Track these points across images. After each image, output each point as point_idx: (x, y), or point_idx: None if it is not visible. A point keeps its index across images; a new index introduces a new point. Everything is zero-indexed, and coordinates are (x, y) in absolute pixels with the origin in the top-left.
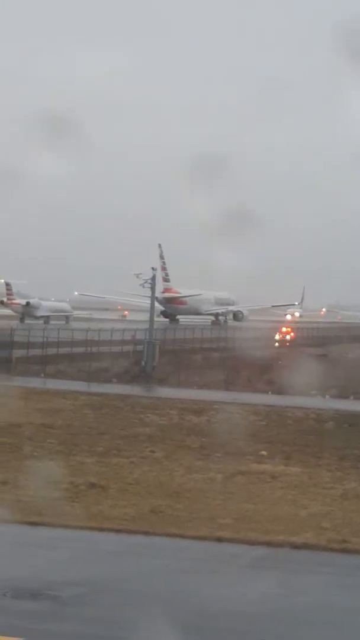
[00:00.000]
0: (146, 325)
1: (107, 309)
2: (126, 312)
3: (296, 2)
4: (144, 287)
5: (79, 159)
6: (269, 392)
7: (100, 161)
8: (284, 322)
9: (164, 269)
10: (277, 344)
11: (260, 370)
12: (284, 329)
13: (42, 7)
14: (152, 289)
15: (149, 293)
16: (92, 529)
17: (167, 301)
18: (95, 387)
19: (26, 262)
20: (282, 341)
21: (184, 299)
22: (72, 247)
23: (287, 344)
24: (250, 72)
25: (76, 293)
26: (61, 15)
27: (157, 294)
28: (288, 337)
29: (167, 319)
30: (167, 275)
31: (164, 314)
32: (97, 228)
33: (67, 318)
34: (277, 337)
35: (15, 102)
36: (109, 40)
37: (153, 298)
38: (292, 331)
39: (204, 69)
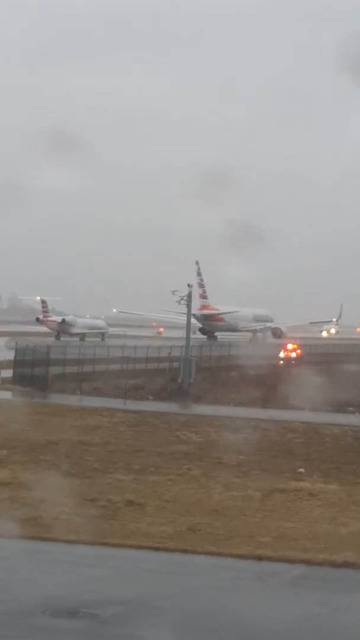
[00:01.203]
0: (182, 342)
1: (142, 326)
2: (161, 329)
3: (307, 16)
4: (180, 304)
5: (103, 176)
6: (306, 409)
7: (130, 179)
8: (320, 339)
9: (201, 285)
10: (281, 362)
11: (296, 387)
12: (289, 346)
13: (63, 31)
14: (188, 305)
15: (185, 310)
16: (130, 546)
17: (205, 318)
18: (132, 405)
19: (61, 279)
20: (287, 359)
21: (221, 315)
22: (109, 264)
23: (293, 362)
24: (260, 84)
25: (115, 310)
26: (77, 36)
27: (195, 311)
28: (294, 354)
29: (205, 336)
30: (204, 292)
31: (202, 330)
32: (132, 245)
33: (102, 335)
34: (281, 354)
35: (41, 120)
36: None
37: (189, 315)
38: (299, 348)
39: (217, 84)
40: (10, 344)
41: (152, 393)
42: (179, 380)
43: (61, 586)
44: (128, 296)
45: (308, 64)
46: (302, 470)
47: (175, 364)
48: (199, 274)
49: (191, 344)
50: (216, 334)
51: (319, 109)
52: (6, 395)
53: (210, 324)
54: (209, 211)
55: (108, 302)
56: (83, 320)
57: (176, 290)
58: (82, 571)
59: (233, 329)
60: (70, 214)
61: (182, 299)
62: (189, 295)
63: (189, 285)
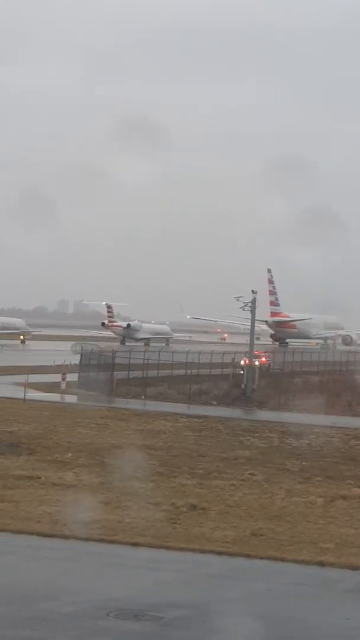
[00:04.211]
0: (247, 348)
1: (206, 332)
2: (225, 335)
3: None
4: (244, 310)
5: (175, 181)
6: None
7: (200, 187)
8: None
9: (273, 293)
10: (241, 372)
11: None
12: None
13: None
14: (252, 312)
15: (256, 316)
16: (193, 550)
17: (277, 325)
18: (195, 410)
19: (129, 284)
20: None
21: (293, 322)
22: (179, 270)
23: (241, 372)
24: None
25: (188, 316)
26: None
27: (267, 318)
28: (257, 362)
29: (277, 342)
30: (276, 299)
31: (273, 337)
32: (203, 251)
33: (167, 340)
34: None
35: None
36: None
37: (253, 321)
38: (264, 357)
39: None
40: (76, 348)
41: (216, 398)
42: (243, 386)
43: (125, 588)
44: (199, 302)
45: None
46: None
47: (239, 370)
48: (270, 281)
49: (262, 350)
50: (287, 340)
51: None
52: (71, 399)
53: (281, 330)
54: (280, 217)
55: (182, 307)
56: (148, 325)
57: (240, 297)
58: (146, 574)
59: (305, 336)
60: (138, 222)
61: (246, 305)
62: (253, 302)
63: (253, 292)
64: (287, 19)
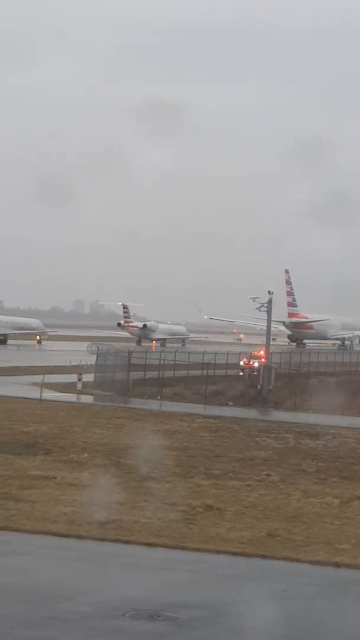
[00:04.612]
0: (263, 349)
1: (222, 332)
2: (242, 335)
3: None
4: (260, 310)
5: (189, 181)
6: None
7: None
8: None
9: (290, 294)
10: (241, 373)
11: None
12: (261, 353)
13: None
14: (269, 312)
15: (272, 317)
16: (209, 551)
17: (294, 326)
18: (211, 410)
19: (145, 285)
20: (250, 367)
21: (311, 323)
22: (196, 271)
23: (255, 372)
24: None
25: (205, 317)
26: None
27: (284, 319)
28: (257, 363)
29: (294, 343)
30: (294, 300)
31: (290, 338)
32: (219, 252)
33: (183, 341)
34: (241, 363)
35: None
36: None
37: (269, 321)
38: (264, 357)
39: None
40: (92, 348)
41: (232, 399)
42: (259, 386)
43: (141, 589)
44: (215, 302)
45: None
46: None
47: (254, 371)
48: (288, 282)
49: (277, 351)
50: (304, 341)
51: None
52: (87, 399)
53: (299, 331)
54: (285, 217)
55: (199, 308)
56: (164, 325)
57: (257, 297)
58: (161, 574)
59: (322, 336)
60: (154, 222)
61: (262, 306)
62: (269, 302)
63: (269, 292)
64: (287, 19)
